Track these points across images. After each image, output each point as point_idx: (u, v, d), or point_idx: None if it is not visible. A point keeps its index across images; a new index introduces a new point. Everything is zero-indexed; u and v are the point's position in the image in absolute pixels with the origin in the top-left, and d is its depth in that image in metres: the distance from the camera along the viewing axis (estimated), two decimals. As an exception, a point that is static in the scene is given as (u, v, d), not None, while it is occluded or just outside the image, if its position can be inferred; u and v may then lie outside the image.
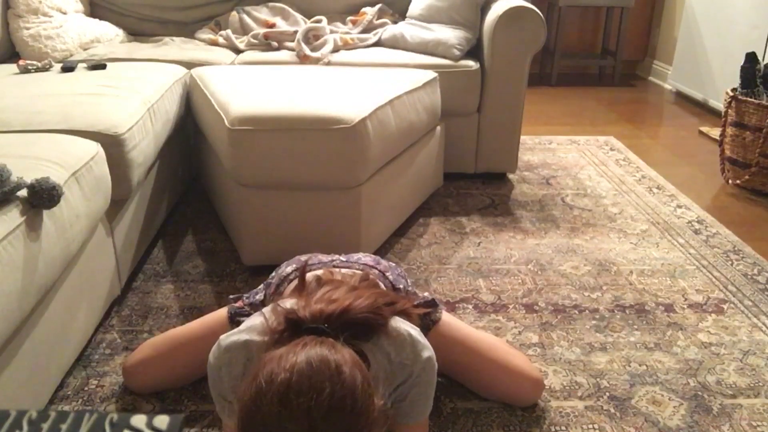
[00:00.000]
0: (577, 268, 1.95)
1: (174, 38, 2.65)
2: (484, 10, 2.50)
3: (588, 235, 2.16)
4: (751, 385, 1.46)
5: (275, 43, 2.58)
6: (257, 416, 0.83)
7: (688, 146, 3.09)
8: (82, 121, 1.60)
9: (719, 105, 3.42)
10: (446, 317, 1.39)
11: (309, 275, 1.21)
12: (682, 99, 3.92)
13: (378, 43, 2.63)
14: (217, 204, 2.17)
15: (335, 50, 2.50)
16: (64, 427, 0.52)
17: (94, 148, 1.49)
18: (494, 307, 1.75)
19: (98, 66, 2.08)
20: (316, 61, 2.39)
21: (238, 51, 2.58)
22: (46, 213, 1.22)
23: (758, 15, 3.12)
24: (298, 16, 2.74)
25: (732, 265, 1.98)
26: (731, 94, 2.56)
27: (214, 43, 2.62)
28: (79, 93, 1.77)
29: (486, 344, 1.38)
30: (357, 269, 1.31)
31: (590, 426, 1.34)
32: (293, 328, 0.98)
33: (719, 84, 3.44)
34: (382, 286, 1.27)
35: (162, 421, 0.52)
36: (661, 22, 4.30)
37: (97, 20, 2.65)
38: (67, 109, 1.64)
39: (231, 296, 1.45)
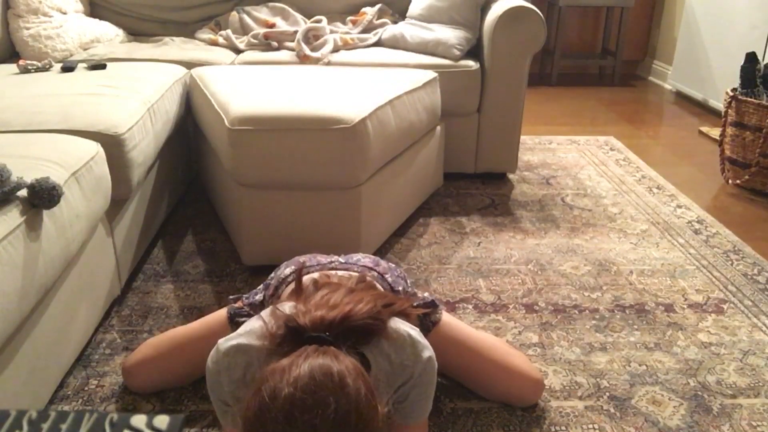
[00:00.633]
0: (577, 268, 1.95)
1: (174, 38, 2.65)
2: (484, 10, 2.50)
3: (588, 235, 2.16)
4: (751, 385, 1.46)
5: (275, 43, 2.58)
6: (262, 431, 0.83)
7: (688, 146, 3.09)
8: (82, 121, 1.60)
9: (719, 105, 3.42)
10: (446, 318, 1.39)
11: (306, 278, 1.20)
12: (682, 99, 3.92)
13: (378, 43, 2.63)
14: (217, 204, 2.17)
15: (335, 50, 2.50)
16: (64, 427, 0.52)
17: (94, 148, 1.49)
18: (494, 307, 1.75)
19: (98, 66, 2.08)
20: (316, 61, 2.39)
21: (238, 51, 2.58)
22: (46, 213, 1.22)
23: (758, 15, 3.12)
24: (298, 16, 2.74)
25: (732, 265, 1.98)
26: (731, 94, 2.56)
27: (214, 43, 2.62)
28: (79, 93, 1.77)
29: (486, 345, 1.38)
30: (355, 271, 1.30)
31: (590, 426, 1.34)
32: (293, 335, 0.97)
33: (719, 84, 3.44)
34: (380, 288, 1.26)
35: (162, 421, 0.52)
36: (661, 22, 4.30)
37: (97, 20, 2.65)
38: (67, 109, 1.64)
39: (231, 296, 1.45)
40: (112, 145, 1.58)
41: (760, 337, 1.64)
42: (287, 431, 0.81)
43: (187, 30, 2.80)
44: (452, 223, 2.23)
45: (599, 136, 3.19)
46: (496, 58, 2.34)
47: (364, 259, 1.37)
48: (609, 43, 4.37)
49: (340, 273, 1.28)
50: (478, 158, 2.51)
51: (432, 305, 1.38)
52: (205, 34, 2.71)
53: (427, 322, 1.35)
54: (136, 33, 2.78)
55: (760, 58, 2.97)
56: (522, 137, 3.12)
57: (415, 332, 1.08)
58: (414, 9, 2.66)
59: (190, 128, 2.38)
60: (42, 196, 1.18)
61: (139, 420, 0.52)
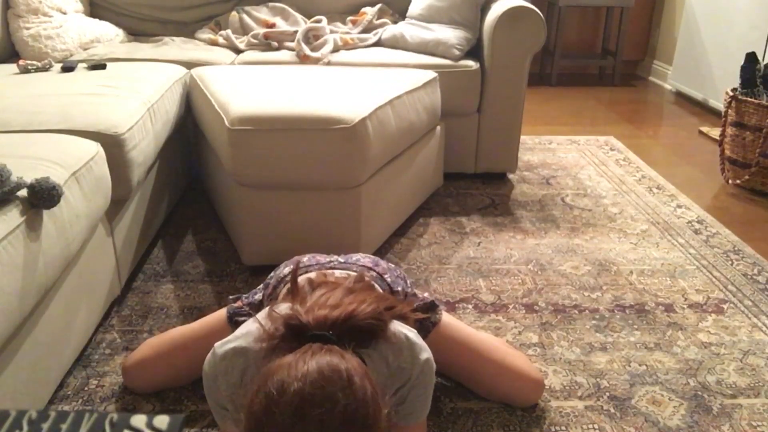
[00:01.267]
0: (577, 268, 1.95)
1: (174, 38, 2.65)
2: (484, 10, 2.50)
3: (588, 235, 2.16)
4: (751, 385, 1.46)
5: (275, 43, 2.58)
6: (269, 427, 0.81)
7: (688, 146, 3.09)
8: (82, 121, 1.60)
9: (719, 105, 3.42)
10: (446, 318, 1.39)
11: (301, 278, 1.19)
12: (682, 99, 3.92)
13: (378, 43, 2.63)
14: (217, 204, 2.17)
15: (335, 50, 2.50)
16: (64, 427, 0.52)
17: (94, 148, 1.49)
18: (494, 307, 1.75)
19: (98, 66, 2.08)
20: (316, 61, 2.39)
21: (238, 51, 2.58)
22: (46, 213, 1.22)
23: (758, 15, 3.12)
24: (298, 16, 2.74)
25: (732, 265, 1.98)
26: (731, 94, 2.56)
27: (214, 43, 2.62)
28: (79, 93, 1.77)
29: (486, 345, 1.38)
30: (354, 271, 1.30)
31: (590, 426, 1.34)
32: (294, 334, 0.96)
33: (719, 84, 3.44)
34: (378, 288, 1.25)
35: (162, 421, 0.52)
36: (661, 22, 4.30)
37: (97, 20, 2.65)
38: (67, 109, 1.64)
39: (230, 296, 1.45)
40: (112, 145, 1.58)
41: (760, 337, 1.64)
42: (296, 425, 0.80)
43: (187, 30, 2.80)
44: (452, 223, 2.23)
45: (599, 136, 3.19)
46: (496, 58, 2.34)
47: (364, 259, 1.36)
48: (609, 43, 4.37)
49: (337, 273, 1.27)
50: (478, 158, 2.51)
51: (432, 306, 1.37)
52: (205, 34, 2.71)
53: (427, 323, 1.35)
54: (136, 33, 2.78)
55: (760, 58, 2.96)
56: (522, 137, 3.12)
57: (412, 334, 1.07)
58: (414, 9, 2.66)
59: (190, 128, 2.38)
60: (42, 196, 1.18)
61: (139, 420, 0.52)
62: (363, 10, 2.77)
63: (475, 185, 2.54)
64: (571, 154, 2.91)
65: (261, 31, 2.62)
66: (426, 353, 1.06)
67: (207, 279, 1.85)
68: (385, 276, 1.32)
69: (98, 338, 1.59)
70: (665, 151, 3.01)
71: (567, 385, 1.45)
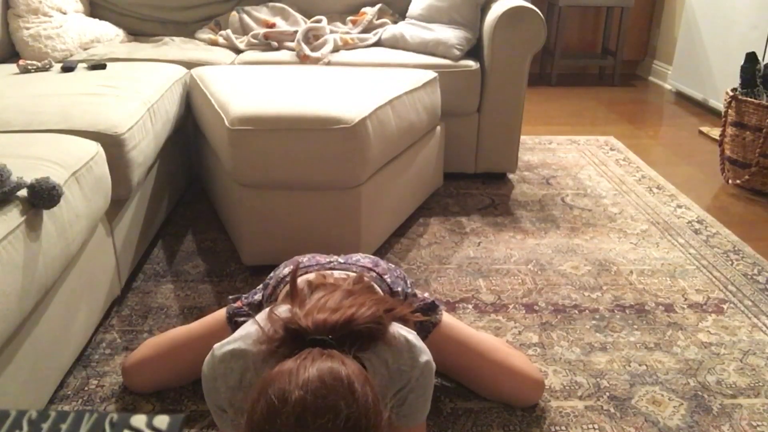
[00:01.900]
0: (577, 268, 1.95)
1: (174, 38, 2.65)
2: (484, 10, 2.50)
3: (588, 235, 2.16)
4: (751, 385, 1.46)
5: (275, 43, 2.58)
6: None
7: (688, 146, 3.09)
8: (82, 121, 1.60)
9: (719, 105, 3.42)
10: (447, 319, 1.39)
11: (300, 280, 1.18)
12: (682, 99, 3.92)
13: (378, 43, 2.63)
14: (217, 204, 2.17)
15: (335, 50, 2.50)
16: (64, 427, 0.52)
17: (94, 148, 1.49)
18: (494, 307, 1.75)
19: (98, 66, 2.08)
20: (316, 61, 2.39)
21: (238, 51, 2.58)
22: (46, 213, 1.22)
23: (758, 15, 3.12)
24: (298, 16, 2.74)
25: (732, 265, 1.98)
26: (731, 94, 2.56)
27: (214, 43, 2.62)
28: (79, 93, 1.77)
29: (487, 345, 1.38)
30: (354, 272, 1.29)
31: (590, 426, 1.34)
32: (293, 338, 0.96)
33: (719, 84, 3.44)
34: (378, 289, 1.25)
35: (162, 421, 0.52)
36: (661, 22, 4.30)
37: (97, 20, 2.65)
38: (67, 109, 1.64)
39: (230, 296, 1.45)
40: (112, 145, 1.58)
41: (760, 337, 1.64)
42: None
43: (187, 30, 2.80)
44: (452, 223, 2.23)
45: (599, 136, 3.19)
46: (496, 58, 2.34)
47: (364, 259, 1.36)
48: (609, 43, 4.37)
49: (336, 273, 1.27)
50: (478, 158, 2.51)
51: (432, 306, 1.37)
52: (205, 34, 2.71)
53: (428, 324, 1.35)
54: (136, 33, 2.78)
55: (760, 58, 2.96)
56: (522, 137, 3.12)
57: (412, 336, 1.07)
58: (414, 9, 2.66)
59: (190, 128, 2.38)
60: (42, 196, 1.18)
61: (139, 420, 0.52)
62: (363, 10, 2.77)
63: (475, 185, 2.54)
64: (571, 154, 2.91)
65: (261, 31, 2.62)
66: (426, 355, 1.06)
67: (207, 279, 1.85)
68: (385, 276, 1.32)
69: (98, 338, 1.59)
70: (665, 151, 3.01)
71: (567, 385, 1.45)
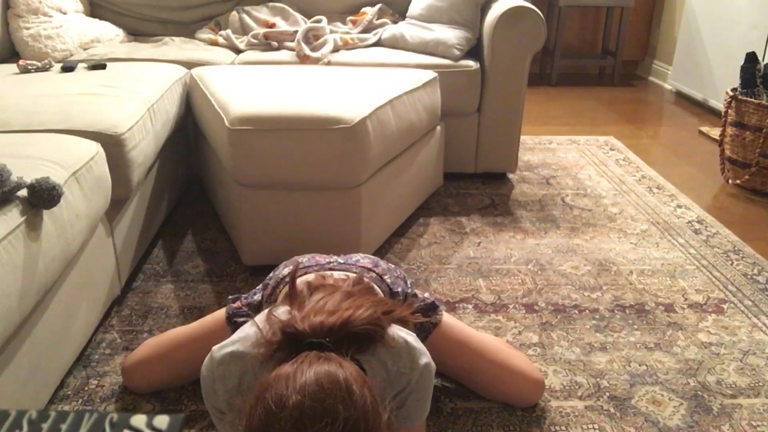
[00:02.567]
0: (577, 268, 1.95)
1: (174, 38, 2.65)
2: (484, 10, 2.50)
3: (588, 235, 2.16)
4: (751, 385, 1.46)
5: (275, 43, 2.58)
6: None
7: (688, 146, 3.09)
8: (82, 121, 1.60)
9: (719, 105, 3.42)
10: (447, 319, 1.39)
11: (300, 281, 1.18)
12: (682, 99, 3.92)
13: (378, 43, 2.63)
14: (217, 204, 2.17)
15: (335, 50, 2.50)
16: (64, 427, 0.52)
17: (94, 148, 1.49)
18: (494, 307, 1.75)
19: (98, 66, 2.08)
20: (316, 61, 2.39)
21: (238, 51, 2.58)
22: (46, 213, 1.22)
23: (758, 15, 3.12)
24: (298, 16, 2.74)
25: (732, 265, 1.98)
26: (731, 94, 2.56)
27: (214, 43, 2.62)
28: (79, 93, 1.77)
29: (487, 346, 1.38)
30: (354, 272, 1.29)
31: (590, 426, 1.34)
32: (291, 341, 0.95)
33: (719, 84, 3.44)
34: (378, 290, 1.25)
35: (162, 421, 0.52)
36: (661, 22, 4.30)
37: (97, 20, 2.65)
38: (67, 109, 1.64)
39: (230, 296, 1.45)
40: (112, 145, 1.58)
41: (760, 337, 1.64)
42: None
43: (187, 30, 2.80)
44: (452, 223, 2.23)
45: (599, 136, 3.19)
46: (496, 58, 2.34)
47: (364, 259, 1.36)
48: (609, 43, 4.37)
49: (336, 274, 1.26)
50: (478, 158, 2.51)
51: (432, 306, 1.37)
52: (205, 34, 2.71)
53: (428, 324, 1.35)
54: (136, 33, 2.78)
55: (760, 58, 2.97)
56: (522, 137, 3.12)
57: (411, 338, 1.06)
58: (414, 9, 2.66)
59: (190, 128, 2.38)
60: (42, 196, 1.18)
61: (139, 420, 0.52)
62: (363, 10, 2.77)
63: (475, 185, 2.54)
64: (571, 154, 2.91)
65: (261, 31, 2.62)
66: (425, 358, 1.05)
67: (207, 279, 1.85)
68: (385, 277, 1.32)
69: (98, 338, 1.59)
70: (665, 151, 3.01)
71: (567, 385, 1.45)
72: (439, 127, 2.29)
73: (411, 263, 1.96)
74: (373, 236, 1.91)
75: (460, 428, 1.33)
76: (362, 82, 1.99)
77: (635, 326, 1.67)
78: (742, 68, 2.56)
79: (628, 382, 1.46)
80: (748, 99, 2.48)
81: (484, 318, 1.70)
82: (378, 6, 2.76)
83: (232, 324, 1.34)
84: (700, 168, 2.81)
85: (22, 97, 1.73)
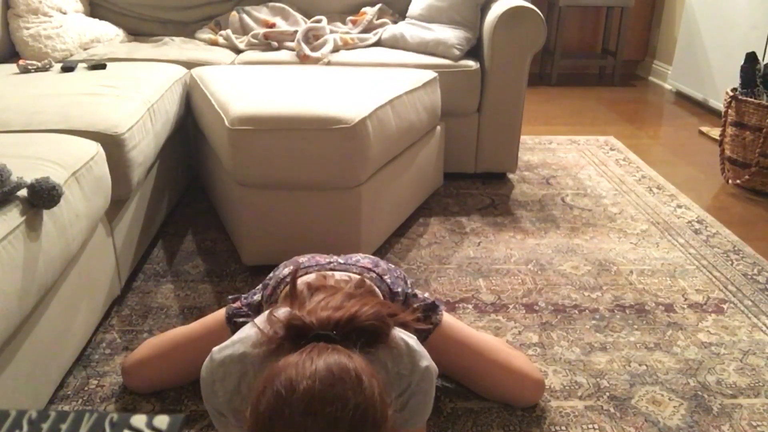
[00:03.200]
0: (577, 268, 1.95)
1: (174, 38, 2.65)
2: (484, 10, 2.50)
3: (588, 235, 2.16)
4: (751, 385, 1.46)
5: (275, 43, 2.58)
6: (279, 426, 0.80)
7: (688, 146, 3.09)
8: (82, 121, 1.60)
9: (719, 105, 3.42)
10: (447, 319, 1.39)
11: (300, 282, 1.18)
12: (682, 99, 3.92)
13: (378, 43, 2.63)
14: (217, 204, 2.17)
15: (335, 50, 2.50)
16: (64, 427, 0.52)
17: (94, 148, 1.49)
18: (494, 307, 1.75)
19: (98, 66, 2.08)
20: (316, 61, 2.39)
21: (238, 51, 2.58)
22: (46, 213, 1.22)
23: (758, 15, 3.12)
24: (298, 16, 2.74)
25: (732, 265, 1.98)
26: (731, 94, 2.56)
27: (214, 43, 2.62)
28: (79, 93, 1.77)
29: (487, 346, 1.38)
30: (354, 272, 1.29)
31: (590, 426, 1.34)
32: (296, 336, 0.95)
33: (719, 84, 3.44)
34: (378, 291, 1.25)
35: (162, 421, 0.52)
36: (661, 22, 4.30)
37: (97, 20, 2.65)
38: (67, 109, 1.64)
39: (230, 296, 1.45)
40: (112, 145, 1.58)
41: (760, 337, 1.64)
42: (307, 424, 0.79)
43: (187, 30, 2.80)
44: (452, 223, 2.23)
45: (599, 136, 3.19)
46: (496, 58, 2.34)
47: (364, 259, 1.36)
48: (609, 43, 4.37)
49: (337, 275, 1.26)
50: (478, 158, 2.51)
51: (432, 306, 1.37)
52: (205, 34, 2.71)
53: (428, 324, 1.35)
54: (136, 33, 2.78)
55: (760, 58, 2.97)
56: (522, 137, 3.12)
57: (412, 341, 1.06)
58: (414, 9, 2.66)
59: (190, 128, 2.38)
60: (42, 196, 1.18)
61: (139, 420, 0.52)
62: (363, 10, 2.77)
63: (475, 185, 2.54)
64: (571, 154, 2.91)
65: (261, 31, 2.62)
66: (426, 361, 1.05)
67: (207, 279, 1.85)
68: (385, 277, 1.32)
69: (98, 338, 1.59)
70: (665, 151, 3.01)
71: (567, 385, 1.45)
72: (439, 127, 2.29)
73: (411, 263, 1.96)
74: (373, 236, 1.91)
75: (460, 428, 1.33)
76: (362, 82, 1.99)
77: (635, 326, 1.67)
78: (742, 68, 2.56)
79: (628, 382, 1.46)
80: (748, 99, 2.48)
81: (484, 318, 1.70)
82: (378, 6, 2.76)
83: (232, 324, 1.34)
84: (700, 168, 2.81)
85: (22, 97, 1.73)
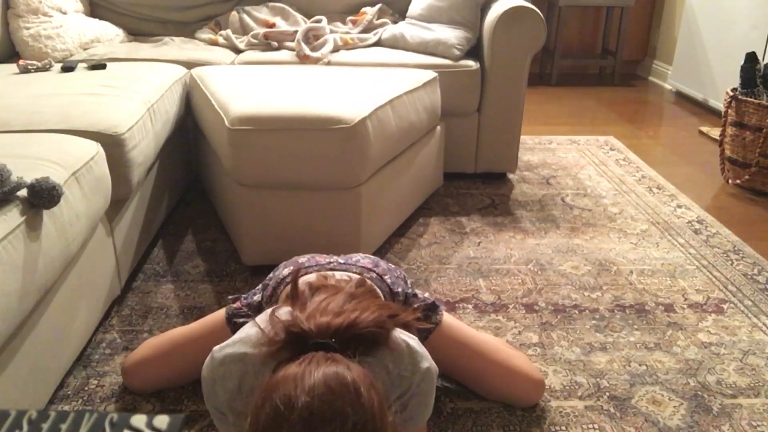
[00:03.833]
0: (577, 268, 1.95)
1: (174, 38, 2.65)
2: (484, 10, 2.50)
3: (588, 235, 2.16)
4: (751, 385, 1.46)
5: (275, 43, 2.58)
6: None
7: (688, 146, 3.09)
8: (82, 121, 1.60)
9: (719, 105, 3.42)
10: (447, 319, 1.39)
11: (301, 281, 1.18)
12: (682, 99, 3.92)
13: (378, 43, 2.63)
14: (217, 204, 2.17)
15: (335, 50, 2.50)
16: (64, 427, 0.52)
17: (94, 148, 1.49)
18: (494, 307, 1.75)
19: (98, 66, 2.08)
20: (316, 61, 2.39)
21: (238, 51, 2.58)
22: (46, 213, 1.22)
23: (758, 15, 3.12)
24: (298, 16, 2.74)
25: (732, 265, 1.98)
26: (731, 94, 2.56)
27: (214, 43, 2.62)
28: (79, 93, 1.77)
29: (487, 346, 1.38)
30: (354, 272, 1.29)
31: (590, 426, 1.34)
32: (295, 341, 0.95)
33: (719, 84, 3.44)
34: (379, 291, 1.25)
35: (162, 421, 0.52)
36: (661, 22, 4.30)
37: (97, 20, 2.65)
38: (67, 109, 1.64)
39: (230, 297, 1.45)
40: (112, 145, 1.58)
41: (760, 337, 1.64)
42: None
43: (187, 30, 2.80)
44: (452, 223, 2.23)
45: (599, 136, 3.19)
46: (496, 58, 2.34)
47: (364, 259, 1.36)
48: (609, 43, 4.37)
49: (338, 275, 1.26)
50: (478, 158, 2.51)
51: (433, 306, 1.37)
52: (205, 34, 2.71)
53: (428, 324, 1.35)
54: (136, 33, 2.78)
55: (760, 58, 2.97)
56: (522, 137, 3.12)
57: (413, 342, 1.06)
58: (414, 9, 2.66)
59: (190, 128, 2.38)
60: (42, 196, 1.18)
61: (139, 420, 0.52)
62: (363, 10, 2.77)
63: (475, 185, 2.54)
64: (571, 154, 2.91)
65: (261, 31, 2.62)
66: (427, 362, 1.05)
67: (207, 279, 1.85)
68: (385, 277, 1.32)
69: (98, 338, 1.59)
70: (665, 151, 3.01)
71: (567, 385, 1.45)
72: (439, 127, 2.29)
73: (411, 263, 1.96)
74: (373, 236, 1.91)
75: (460, 428, 1.33)
76: (362, 82, 1.99)
77: (635, 326, 1.67)
78: (742, 68, 2.56)
79: (628, 382, 1.46)
80: (748, 99, 2.48)
81: (484, 318, 1.70)
82: (378, 6, 2.76)
83: (232, 324, 1.34)
84: (700, 168, 2.81)
85: (22, 97, 1.73)
